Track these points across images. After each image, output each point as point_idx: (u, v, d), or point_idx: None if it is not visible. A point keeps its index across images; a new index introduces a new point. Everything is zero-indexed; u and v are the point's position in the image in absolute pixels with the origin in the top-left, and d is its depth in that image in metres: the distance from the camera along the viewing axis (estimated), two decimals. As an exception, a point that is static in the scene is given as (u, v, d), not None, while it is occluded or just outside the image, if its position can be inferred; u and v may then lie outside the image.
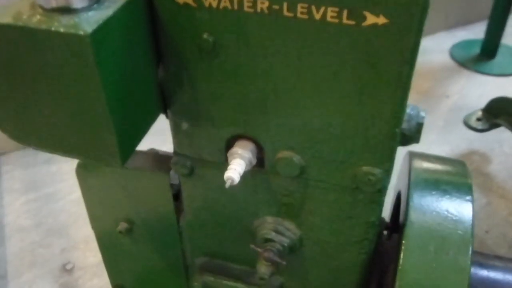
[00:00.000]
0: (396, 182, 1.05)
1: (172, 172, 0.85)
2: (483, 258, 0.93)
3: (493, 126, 1.96)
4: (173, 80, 0.68)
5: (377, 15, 0.54)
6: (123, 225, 0.93)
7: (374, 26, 0.55)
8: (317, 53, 0.59)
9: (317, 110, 0.64)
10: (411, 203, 0.80)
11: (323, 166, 0.70)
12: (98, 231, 1.00)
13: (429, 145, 2.04)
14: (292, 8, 0.56)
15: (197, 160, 0.77)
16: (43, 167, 2.05)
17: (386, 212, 1.06)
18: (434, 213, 0.78)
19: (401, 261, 0.74)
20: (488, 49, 2.72)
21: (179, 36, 0.63)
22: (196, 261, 0.94)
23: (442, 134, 2.18)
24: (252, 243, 0.80)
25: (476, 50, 2.77)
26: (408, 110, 0.72)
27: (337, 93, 0.62)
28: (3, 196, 1.92)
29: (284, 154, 0.70)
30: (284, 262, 0.77)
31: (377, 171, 0.68)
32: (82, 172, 0.90)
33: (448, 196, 0.81)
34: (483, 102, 2.02)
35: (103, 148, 0.61)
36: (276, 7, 0.57)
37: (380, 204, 0.74)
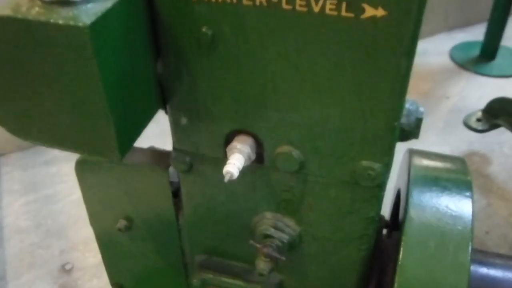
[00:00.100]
0: (396, 180, 1.05)
1: (171, 170, 0.85)
2: (483, 256, 0.92)
3: (493, 126, 1.96)
4: (172, 74, 0.68)
5: (375, 7, 0.54)
6: (122, 223, 0.93)
7: (373, 18, 0.55)
8: (316, 46, 0.59)
9: (316, 103, 0.64)
10: (410, 199, 0.80)
11: (323, 160, 0.70)
12: (97, 229, 1.00)
13: (429, 146, 2.01)
14: (291, 0, 0.56)
15: (196, 155, 0.77)
16: (42, 169, 2.05)
17: (386, 211, 1.06)
18: (433, 209, 0.78)
19: (400, 257, 0.74)
20: (488, 51, 2.72)
21: (178, 30, 0.63)
22: (195, 259, 0.93)
23: (442, 135, 2.17)
24: (252, 239, 0.80)
25: (476, 52, 2.78)
26: (407, 105, 0.72)
27: (336, 86, 0.62)
28: (3, 197, 1.92)
29: (284, 149, 0.70)
30: (283, 258, 0.77)
31: (376, 165, 0.68)
32: (81, 169, 0.89)
33: (447, 192, 0.81)
34: (483, 104, 2.03)
35: (102, 141, 0.61)
36: (275, 0, 0.57)
37: (380, 199, 0.73)
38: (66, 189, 1.92)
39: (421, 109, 0.73)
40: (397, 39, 0.56)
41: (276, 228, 0.79)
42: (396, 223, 0.99)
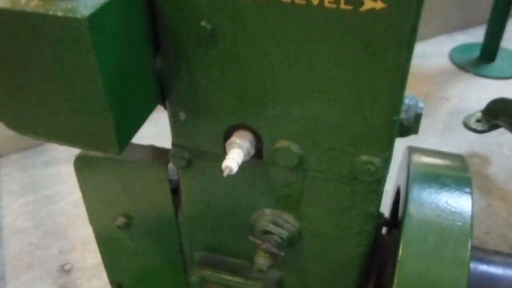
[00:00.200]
0: (395, 178, 1.05)
1: (170, 168, 0.85)
2: (482, 253, 0.92)
3: (493, 127, 1.96)
4: (171, 69, 0.68)
5: (374, 0, 0.54)
6: (121, 220, 0.93)
7: (372, 11, 0.55)
8: (314, 39, 0.59)
9: (315, 97, 0.64)
10: (410, 196, 0.80)
11: (322, 155, 0.70)
12: (96, 227, 0.99)
13: (429, 147, 2.03)
14: (289, -7, 0.56)
15: (195, 151, 0.77)
16: (42, 169, 2.05)
17: (386, 211, 1.06)
18: (433, 205, 0.78)
19: (400, 252, 0.73)
20: (488, 53, 2.72)
21: (177, 24, 0.63)
22: (194, 256, 0.93)
23: (442, 136, 2.17)
24: (251, 236, 0.80)
25: (476, 53, 2.78)
26: (406, 101, 0.72)
27: (335, 79, 0.62)
28: (2, 198, 1.92)
29: (283, 143, 0.70)
30: (282, 253, 0.76)
31: (376, 160, 0.67)
32: (80, 165, 0.89)
33: (447, 188, 0.81)
34: (482, 105, 2.03)
35: (100, 135, 0.61)
36: (273, -7, 0.57)
37: (379, 194, 0.73)
38: (66, 190, 1.92)
39: (421, 104, 0.73)
40: (396, 31, 0.56)
41: (275, 224, 0.79)
42: (396, 221, 0.98)
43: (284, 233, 0.79)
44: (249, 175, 0.77)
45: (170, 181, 0.87)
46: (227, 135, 0.72)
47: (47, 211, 1.85)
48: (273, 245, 0.76)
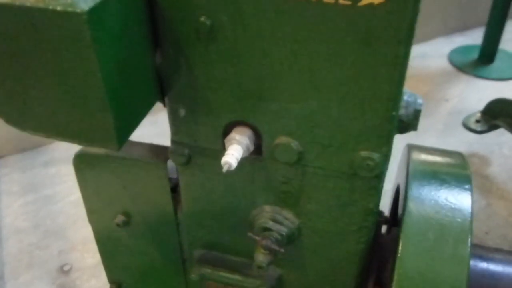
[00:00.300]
0: (395, 177, 1.05)
1: (170, 166, 0.85)
2: (482, 251, 0.92)
3: (492, 127, 1.96)
4: (170, 65, 0.68)
5: None
6: (120, 218, 0.93)
7: (370, 6, 0.55)
8: (313, 35, 0.59)
9: (314, 93, 0.64)
10: (409, 192, 0.80)
11: (321, 151, 0.70)
12: (96, 225, 0.99)
13: (429, 147, 2.04)
14: (289, -12, 0.56)
15: (195, 148, 0.77)
16: (42, 170, 2.05)
17: (386, 210, 1.06)
18: (432, 201, 0.78)
19: (400, 249, 0.73)
20: (486, 54, 2.73)
21: (176, 19, 0.63)
22: (193, 254, 0.93)
23: (442, 137, 2.18)
24: (250, 233, 0.80)
25: (474, 55, 2.79)
26: (405, 97, 0.72)
27: (334, 75, 0.62)
28: (1, 199, 1.92)
29: (282, 139, 0.70)
30: (282, 250, 0.76)
31: (375, 155, 0.67)
32: (79, 163, 0.89)
33: (446, 185, 0.81)
34: (482, 106, 2.03)
35: (100, 130, 0.61)
36: (272, -12, 0.57)
37: (379, 191, 0.73)
38: (65, 190, 1.92)
39: (420, 100, 0.73)
40: (394, 26, 0.56)
41: (275, 221, 0.79)
42: (396, 219, 0.98)
43: (284, 230, 0.79)
44: (248, 172, 0.77)
45: (170, 179, 0.87)
46: (227, 132, 0.72)
47: (47, 211, 1.85)
48: (272, 241, 0.76)
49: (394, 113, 0.64)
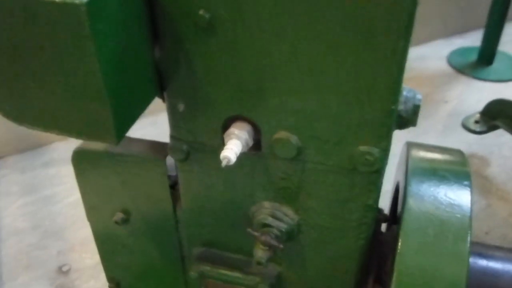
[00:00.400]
0: (394, 175, 1.05)
1: (169, 164, 0.85)
2: (482, 248, 0.92)
3: (491, 128, 1.97)
4: (169, 59, 0.68)
5: None
6: (119, 215, 0.93)
7: None
8: (312, 28, 0.59)
9: (313, 87, 0.64)
10: (409, 189, 0.79)
11: (320, 146, 0.70)
12: (95, 223, 0.99)
13: (428, 148, 2.04)
14: (287, -19, 0.56)
15: (194, 143, 0.77)
16: (41, 171, 2.05)
17: (386, 209, 1.05)
18: (432, 197, 0.78)
19: (399, 245, 0.73)
20: (485, 56, 2.74)
21: (175, 13, 0.63)
22: (193, 251, 0.93)
23: (442, 138, 2.17)
24: (250, 229, 0.79)
25: (473, 57, 2.79)
26: (404, 93, 0.72)
27: (333, 69, 0.62)
28: (0, 199, 1.91)
29: (281, 134, 0.70)
30: (281, 246, 0.76)
31: (374, 150, 0.67)
32: (78, 160, 0.89)
33: (446, 181, 0.81)
34: (481, 107, 2.04)
35: (98, 123, 0.61)
36: (271, -19, 0.57)
37: (378, 186, 0.73)
38: (65, 191, 1.92)
39: (419, 96, 0.73)
40: (394, 19, 0.56)
41: (274, 217, 0.79)
42: (395, 217, 0.98)
43: (283, 226, 0.78)
44: (247, 168, 0.77)
45: (169, 177, 0.87)
46: (226, 127, 0.72)
47: (46, 212, 1.84)
48: (272, 237, 0.76)
49: (393, 107, 0.64)
